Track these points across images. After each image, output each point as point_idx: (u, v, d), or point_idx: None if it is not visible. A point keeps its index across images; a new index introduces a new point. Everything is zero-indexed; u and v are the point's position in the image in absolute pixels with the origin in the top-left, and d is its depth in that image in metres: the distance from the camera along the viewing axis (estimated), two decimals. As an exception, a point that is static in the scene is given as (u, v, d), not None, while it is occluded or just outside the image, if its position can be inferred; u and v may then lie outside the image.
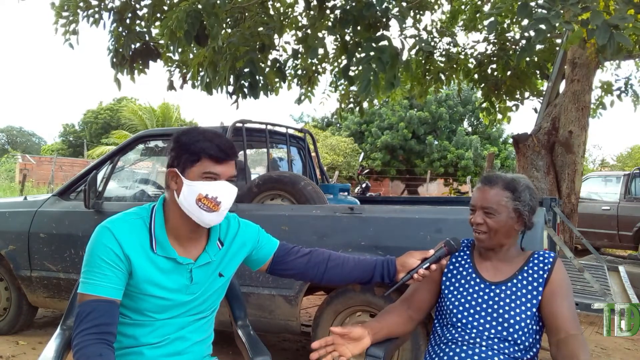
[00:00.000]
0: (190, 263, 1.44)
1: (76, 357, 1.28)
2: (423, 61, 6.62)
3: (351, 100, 6.92)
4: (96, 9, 4.94)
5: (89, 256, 1.37)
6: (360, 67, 3.36)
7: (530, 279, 1.57)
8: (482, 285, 1.60)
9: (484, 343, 1.52)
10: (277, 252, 1.63)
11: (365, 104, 6.86)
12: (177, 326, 1.46)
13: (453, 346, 1.55)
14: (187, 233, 1.45)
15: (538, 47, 5.91)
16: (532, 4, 2.93)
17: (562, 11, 2.84)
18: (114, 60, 5.10)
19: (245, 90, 4.13)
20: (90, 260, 1.36)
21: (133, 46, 5.01)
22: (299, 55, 5.01)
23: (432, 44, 6.56)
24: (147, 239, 1.41)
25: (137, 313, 1.42)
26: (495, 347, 1.51)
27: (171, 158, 1.41)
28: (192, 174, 1.38)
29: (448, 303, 1.62)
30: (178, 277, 1.43)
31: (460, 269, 1.66)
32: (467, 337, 1.54)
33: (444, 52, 6.64)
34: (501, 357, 1.50)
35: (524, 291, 1.55)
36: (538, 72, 6.40)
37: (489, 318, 1.55)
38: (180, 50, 4.49)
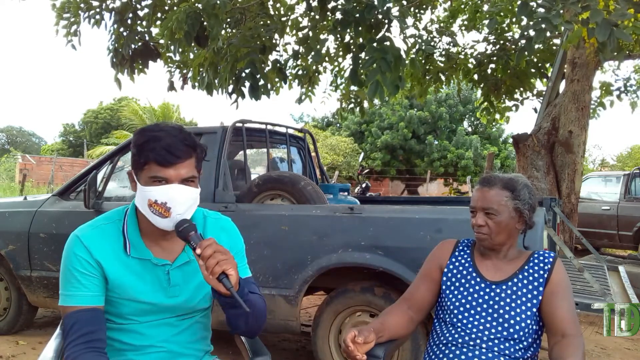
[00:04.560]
0: (167, 264, 1.40)
1: None
2: (423, 61, 6.62)
3: (352, 100, 6.93)
4: (97, 10, 4.94)
5: (63, 268, 1.35)
6: (367, 69, 3.35)
7: (530, 278, 1.57)
8: (483, 285, 1.60)
9: (484, 345, 1.52)
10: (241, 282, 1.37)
11: (365, 104, 6.87)
12: (166, 329, 1.42)
13: (453, 348, 1.55)
14: (161, 236, 1.40)
15: (538, 47, 5.92)
16: (532, 3, 2.94)
17: (562, 11, 2.84)
18: (114, 60, 5.11)
19: (245, 90, 4.13)
20: (65, 272, 1.35)
21: (133, 46, 5.01)
22: (300, 56, 5.01)
23: (432, 43, 6.56)
24: (120, 242, 1.38)
25: (120, 317, 1.40)
26: (496, 348, 1.51)
27: (130, 159, 1.37)
28: (142, 177, 1.33)
29: (448, 302, 1.62)
30: (154, 279, 1.39)
31: (461, 268, 1.67)
32: (467, 338, 1.54)
33: (443, 52, 6.65)
34: (502, 359, 1.50)
35: (524, 290, 1.56)
36: (537, 72, 6.40)
37: (489, 318, 1.55)
38: (180, 50, 4.49)
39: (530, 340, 1.53)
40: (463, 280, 1.64)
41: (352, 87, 6.44)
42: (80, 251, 1.34)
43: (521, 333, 1.52)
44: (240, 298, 1.23)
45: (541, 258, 1.60)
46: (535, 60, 6.23)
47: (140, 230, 1.40)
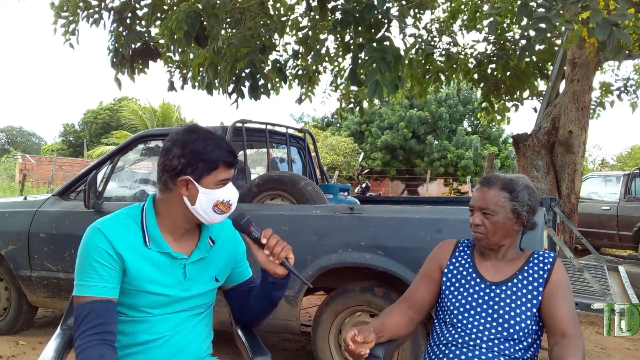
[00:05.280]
0: (184, 258, 1.46)
1: (79, 359, 1.28)
2: (423, 61, 6.62)
3: (351, 100, 6.93)
4: (96, 9, 4.94)
5: (81, 258, 1.37)
6: (366, 69, 3.35)
7: (530, 278, 1.57)
8: (483, 285, 1.60)
9: (484, 345, 1.52)
10: (247, 280, 1.63)
11: (365, 104, 6.87)
12: (174, 322, 1.46)
13: (453, 348, 1.55)
14: (183, 232, 1.48)
15: (538, 47, 5.93)
16: (532, 3, 2.93)
17: (562, 11, 2.84)
18: (114, 60, 5.11)
19: (245, 90, 4.13)
20: (83, 262, 1.37)
21: (133, 46, 5.01)
22: (300, 56, 5.01)
23: (432, 43, 6.56)
24: (139, 236, 1.43)
25: (134, 309, 1.42)
26: (496, 348, 1.51)
27: (181, 165, 1.39)
28: (207, 181, 1.41)
29: (448, 303, 1.62)
30: (172, 272, 1.45)
31: (461, 268, 1.67)
32: (467, 339, 1.54)
33: (443, 52, 6.65)
34: (502, 359, 1.50)
35: (524, 291, 1.56)
36: (537, 72, 6.40)
37: (489, 318, 1.55)
38: (180, 50, 4.49)
39: (530, 340, 1.53)
40: (463, 281, 1.64)
41: (352, 87, 6.45)
42: (103, 243, 1.37)
43: (521, 333, 1.52)
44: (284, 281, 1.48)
45: (541, 258, 1.60)
46: (535, 60, 6.23)
47: (160, 225, 1.45)
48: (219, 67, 4.34)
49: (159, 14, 4.95)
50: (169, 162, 1.41)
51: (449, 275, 1.67)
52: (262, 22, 4.54)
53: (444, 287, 1.66)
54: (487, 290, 1.59)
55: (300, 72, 5.80)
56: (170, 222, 1.46)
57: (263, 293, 1.53)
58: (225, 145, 1.43)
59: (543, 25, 2.73)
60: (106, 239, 1.37)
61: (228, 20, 4.75)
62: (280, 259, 1.40)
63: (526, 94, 6.56)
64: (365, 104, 6.86)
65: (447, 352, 1.55)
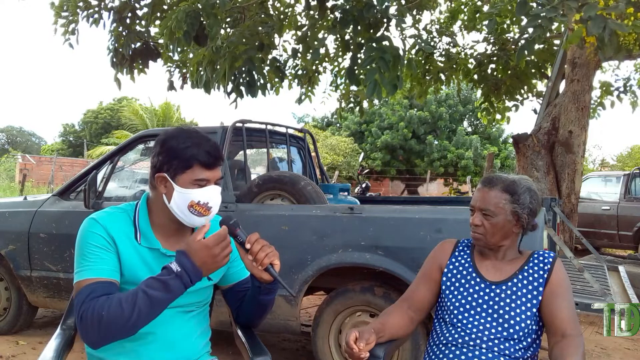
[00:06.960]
0: (173, 256, 1.45)
1: (96, 313, 1.25)
2: (423, 61, 6.62)
3: (351, 99, 6.93)
4: (96, 9, 4.94)
5: (80, 247, 1.39)
6: (365, 69, 3.35)
7: (530, 278, 1.57)
8: (483, 285, 1.60)
9: (484, 345, 1.52)
10: (243, 281, 1.61)
11: (365, 104, 6.87)
12: (163, 318, 1.44)
13: (453, 348, 1.55)
14: (173, 231, 1.49)
15: (537, 46, 5.93)
16: (533, 4, 2.93)
17: (561, 11, 2.84)
18: (114, 60, 5.11)
19: (243, 88, 4.12)
20: (82, 249, 1.37)
21: (133, 46, 5.01)
22: (299, 55, 5.01)
23: (432, 44, 6.57)
24: (131, 230, 1.44)
25: None
26: (496, 348, 1.51)
27: (159, 162, 1.41)
28: (182, 180, 1.40)
29: (448, 303, 1.62)
30: (161, 268, 1.44)
31: (460, 268, 1.66)
32: (467, 338, 1.54)
33: (443, 52, 6.65)
34: (502, 358, 1.50)
35: (524, 291, 1.56)
36: (536, 71, 6.40)
37: (489, 318, 1.55)
38: (179, 50, 4.49)
39: (530, 340, 1.53)
40: (463, 281, 1.64)
41: (352, 87, 6.45)
42: (98, 230, 1.39)
43: (521, 333, 1.51)
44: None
45: (541, 258, 1.60)
46: (535, 60, 6.23)
47: (151, 223, 1.47)
48: (217, 66, 4.33)
49: (158, 14, 4.95)
50: (152, 160, 1.44)
51: (449, 274, 1.67)
52: (260, 21, 4.53)
53: (443, 287, 1.66)
54: (487, 290, 1.59)
55: (299, 71, 5.80)
56: (159, 220, 1.47)
57: (252, 296, 1.52)
58: (206, 145, 1.40)
59: (543, 25, 2.73)
60: (101, 226, 1.40)
61: (227, 19, 4.75)
62: (264, 265, 1.35)
63: (526, 94, 6.56)
64: (365, 104, 6.86)
65: (447, 351, 1.55)
